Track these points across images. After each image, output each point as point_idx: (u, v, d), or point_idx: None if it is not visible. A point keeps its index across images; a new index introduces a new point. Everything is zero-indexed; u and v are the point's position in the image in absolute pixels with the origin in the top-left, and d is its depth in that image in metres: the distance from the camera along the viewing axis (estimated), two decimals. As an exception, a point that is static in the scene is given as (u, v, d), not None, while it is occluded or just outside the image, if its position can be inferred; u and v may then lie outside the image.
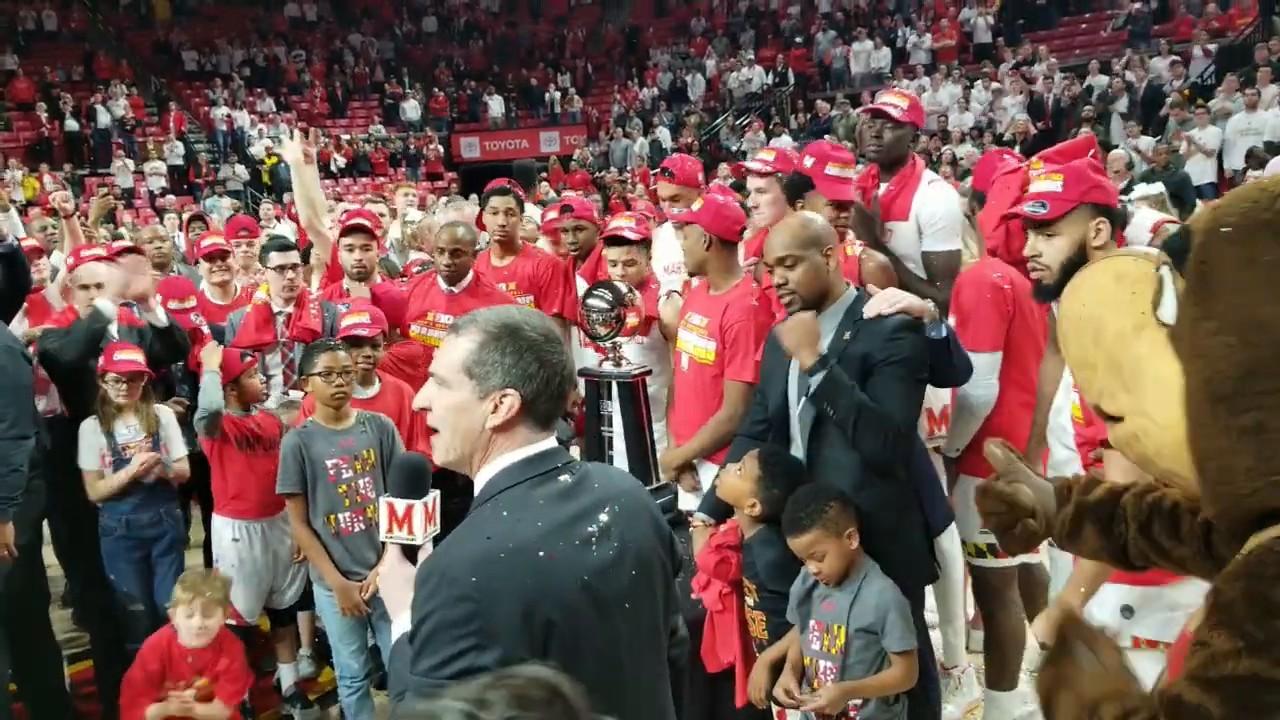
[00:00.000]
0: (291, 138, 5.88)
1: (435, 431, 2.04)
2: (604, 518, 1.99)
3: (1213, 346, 1.42)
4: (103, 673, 4.94)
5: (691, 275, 4.56)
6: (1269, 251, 1.38)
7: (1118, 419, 1.64)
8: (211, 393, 4.53)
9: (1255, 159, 13.60)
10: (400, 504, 2.16)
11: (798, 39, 28.19)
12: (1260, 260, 1.38)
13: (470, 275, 5.18)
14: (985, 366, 3.70)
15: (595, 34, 34.05)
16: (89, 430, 4.55)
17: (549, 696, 0.70)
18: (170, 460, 4.64)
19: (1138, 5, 21.85)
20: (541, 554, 1.87)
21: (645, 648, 2.05)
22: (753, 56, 27.89)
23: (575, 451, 4.87)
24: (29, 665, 4.67)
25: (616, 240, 4.87)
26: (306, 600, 5.01)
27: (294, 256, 5.26)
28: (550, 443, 2.04)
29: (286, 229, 11.32)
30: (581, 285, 5.26)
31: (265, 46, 30.99)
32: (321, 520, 4.21)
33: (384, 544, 2.25)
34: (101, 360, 4.54)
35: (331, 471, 4.17)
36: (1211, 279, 1.43)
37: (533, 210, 8.25)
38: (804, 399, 3.42)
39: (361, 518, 4.24)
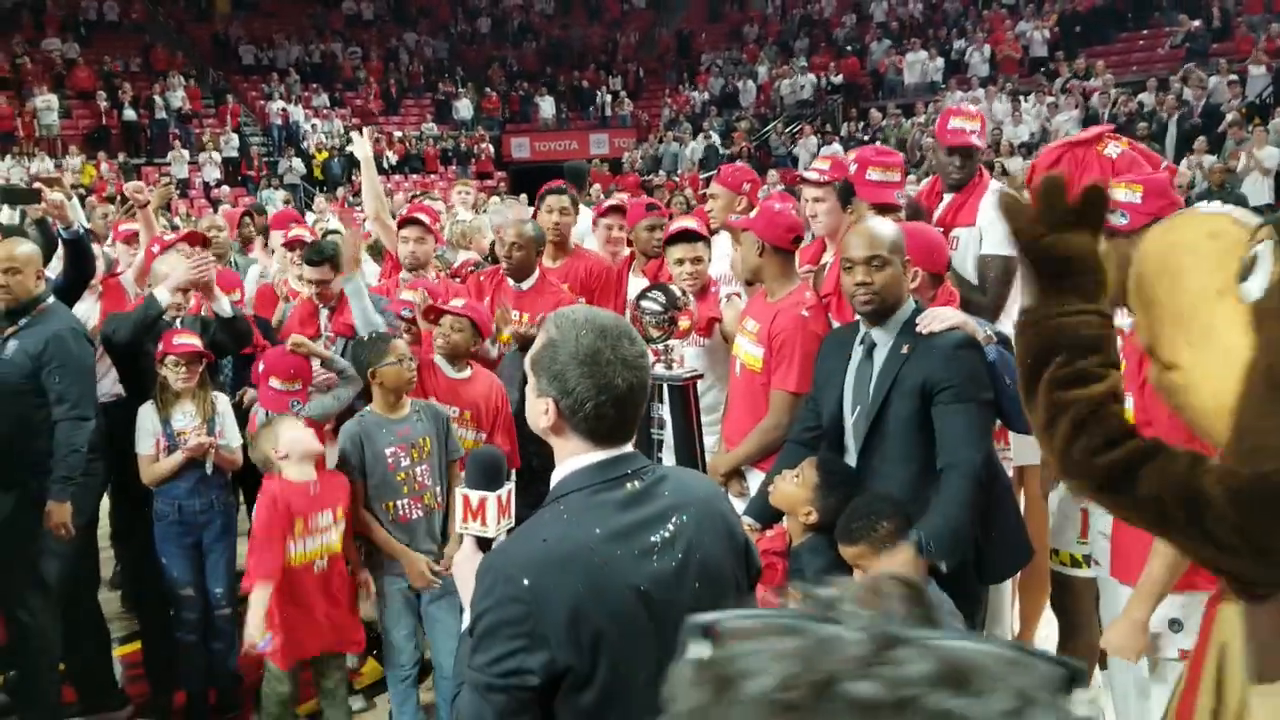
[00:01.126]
0: (362, 134, 6.00)
1: None
2: (670, 527, 1.97)
3: None
4: (151, 655, 5.02)
5: (747, 283, 4.56)
6: None
7: (1170, 366, 1.77)
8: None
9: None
10: (475, 496, 2.19)
11: (850, 47, 28.10)
12: None
13: (537, 273, 5.29)
14: None
15: (648, 38, 34.11)
16: (146, 415, 4.59)
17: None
18: (227, 445, 4.70)
19: (1197, 23, 21.58)
20: (596, 560, 1.87)
21: None
22: (805, 64, 27.80)
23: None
24: (78, 645, 4.75)
25: (682, 237, 4.77)
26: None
27: (324, 272, 5.24)
28: (622, 449, 2.00)
29: (337, 223, 11.44)
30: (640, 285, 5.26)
31: (322, 43, 31.34)
32: (380, 507, 4.25)
33: (460, 534, 2.27)
34: (160, 345, 4.58)
35: (390, 459, 4.21)
36: None
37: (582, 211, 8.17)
38: (859, 409, 3.41)
39: (420, 505, 4.27)
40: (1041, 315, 1.80)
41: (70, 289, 4.92)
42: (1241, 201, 13.04)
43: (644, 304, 4.40)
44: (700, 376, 4.52)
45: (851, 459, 3.48)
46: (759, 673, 0.66)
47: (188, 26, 31.08)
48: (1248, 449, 1.54)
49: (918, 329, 3.31)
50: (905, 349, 3.30)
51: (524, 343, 4.99)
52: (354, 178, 20.07)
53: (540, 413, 1.98)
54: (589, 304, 5.37)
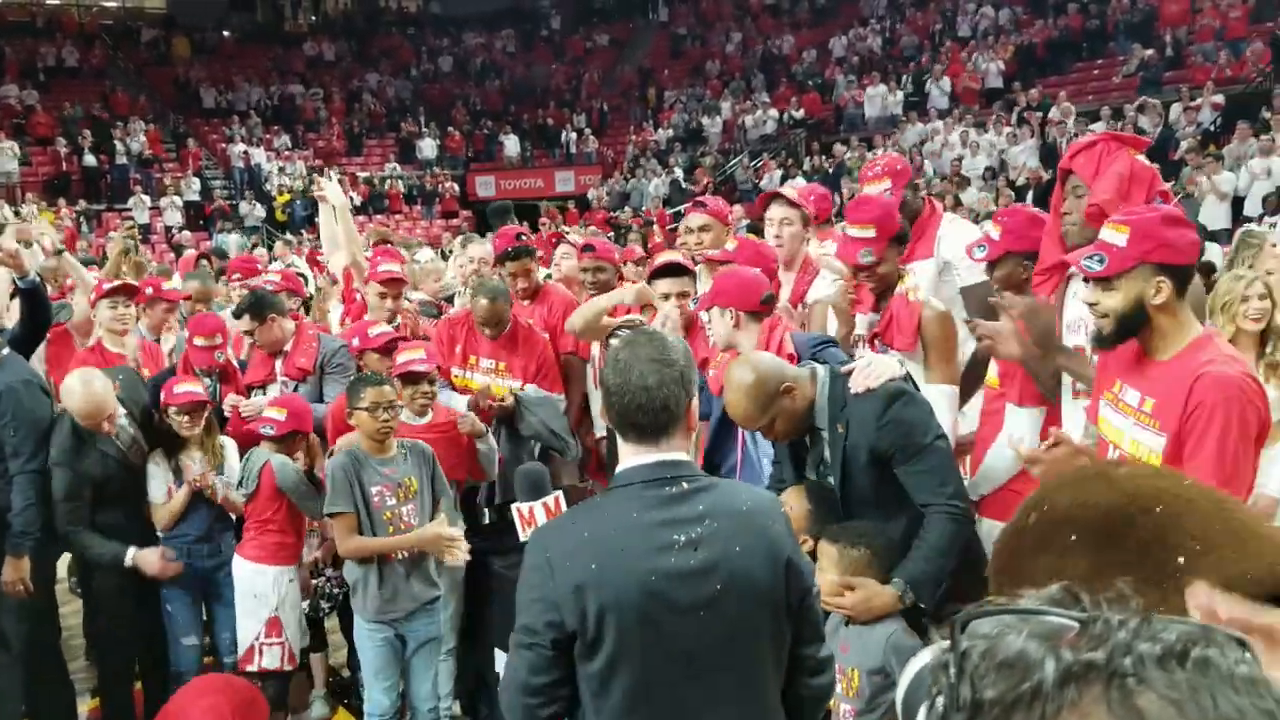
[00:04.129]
0: (331, 179, 6.01)
1: None
2: (698, 530, 2.17)
3: None
4: (110, 709, 4.91)
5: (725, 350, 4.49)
6: None
7: None
8: None
9: (1271, 203, 13.63)
10: (525, 507, 2.55)
11: (810, 82, 28.40)
12: None
13: (511, 319, 5.20)
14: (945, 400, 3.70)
15: (610, 75, 34.35)
16: (156, 463, 4.62)
17: None
18: (231, 483, 4.70)
19: (1150, 52, 21.94)
20: (612, 545, 2.14)
21: (727, 659, 2.20)
22: (768, 99, 28.07)
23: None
24: (42, 699, 4.66)
25: (669, 271, 4.58)
26: (319, 642, 5.01)
27: (247, 323, 5.33)
28: (675, 455, 2.23)
29: (304, 265, 11.43)
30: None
31: (283, 84, 31.36)
32: None
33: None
34: (162, 396, 4.60)
35: (376, 499, 4.17)
36: None
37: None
38: (820, 467, 3.41)
39: None
40: None
41: (27, 339, 4.86)
42: (1200, 229, 13.20)
43: (613, 342, 4.37)
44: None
45: None
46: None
47: (147, 71, 31.03)
48: None
49: (850, 390, 3.24)
50: (840, 428, 3.24)
51: (503, 414, 4.95)
52: (315, 220, 19.99)
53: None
54: (553, 341, 5.37)
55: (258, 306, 5.27)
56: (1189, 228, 2.83)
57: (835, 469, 3.28)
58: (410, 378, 4.50)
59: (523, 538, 2.48)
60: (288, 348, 5.32)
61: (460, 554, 4.13)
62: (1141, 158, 3.58)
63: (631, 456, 2.23)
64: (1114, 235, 2.82)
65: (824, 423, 3.29)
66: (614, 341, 2.24)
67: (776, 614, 2.24)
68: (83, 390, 4.32)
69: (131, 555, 4.47)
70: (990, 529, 3.78)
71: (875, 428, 3.17)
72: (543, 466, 2.58)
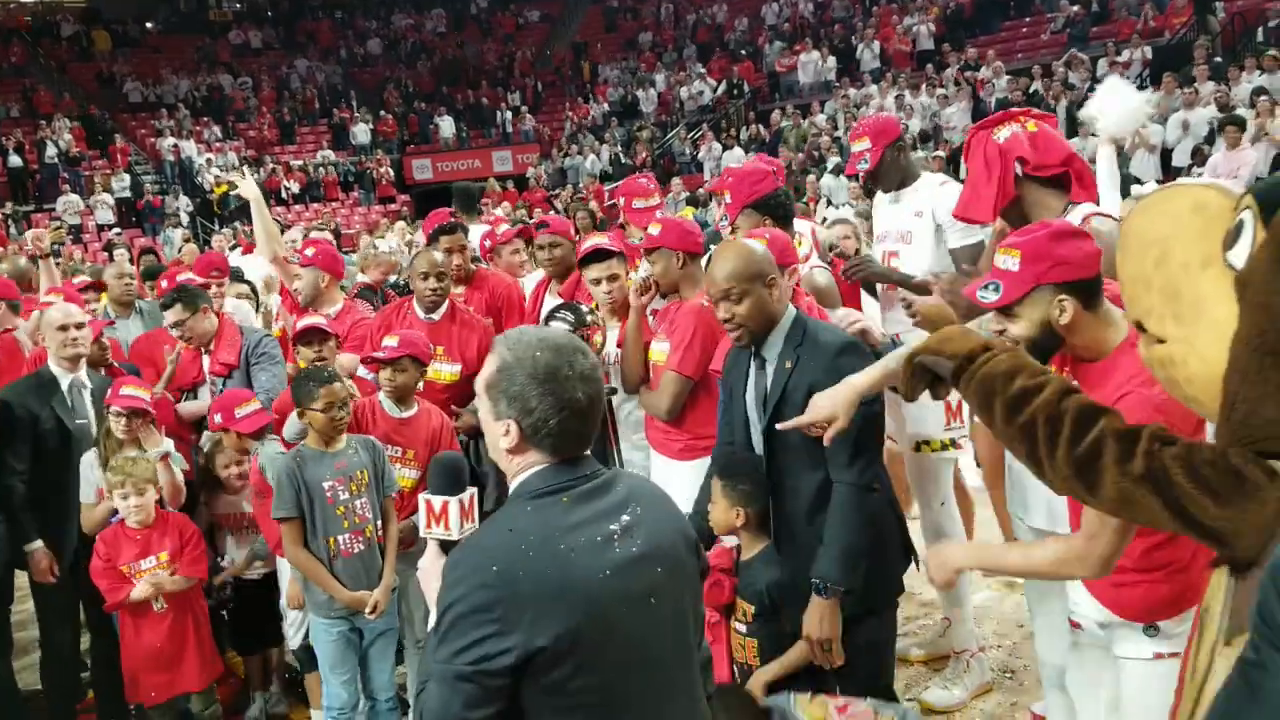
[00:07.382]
0: (245, 175, 5.92)
1: None
2: (626, 518, 2.03)
3: (1276, 304, 1.53)
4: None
5: (665, 295, 4.51)
6: None
7: (1159, 340, 1.80)
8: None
9: (1201, 155, 13.85)
10: (437, 500, 2.25)
11: (744, 51, 28.40)
12: None
13: (448, 303, 5.13)
14: None
15: (543, 52, 34.08)
16: (87, 465, 4.54)
17: None
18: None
19: (1076, 8, 22.17)
20: (562, 547, 1.92)
21: (676, 639, 2.10)
22: (702, 69, 28.02)
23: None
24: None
25: (596, 256, 4.60)
26: (275, 636, 4.97)
27: (178, 313, 5.22)
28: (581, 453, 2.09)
29: (247, 260, 11.25)
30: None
31: (211, 75, 30.78)
32: (321, 543, 4.13)
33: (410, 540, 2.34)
34: (108, 393, 4.53)
35: (329, 494, 4.11)
36: None
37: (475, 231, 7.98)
38: (763, 422, 3.40)
39: (361, 538, 4.17)
40: (964, 380, 2.11)
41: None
42: (1125, 180, 13.35)
43: (553, 323, 4.38)
44: (614, 392, 4.49)
45: None
46: None
47: (70, 66, 30.34)
48: (1239, 419, 1.61)
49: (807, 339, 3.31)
50: (789, 364, 3.27)
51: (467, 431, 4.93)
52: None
53: (500, 435, 2.03)
54: (496, 325, 5.32)
55: (189, 297, 5.19)
56: (1083, 239, 2.73)
57: (771, 401, 3.30)
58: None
59: (424, 533, 2.24)
60: (207, 344, 5.28)
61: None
62: (1001, 132, 3.64)
63: (539, 464, 2.04)
64: (1006, 260, 2.74)
65: (773, 355, 3.34)
66: (537, 348, 2.02)
67: (694, 594, 2.21)
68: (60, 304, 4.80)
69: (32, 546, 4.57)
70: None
71: (824, 368, 3.18)
72: (460, 456, 2.40)
